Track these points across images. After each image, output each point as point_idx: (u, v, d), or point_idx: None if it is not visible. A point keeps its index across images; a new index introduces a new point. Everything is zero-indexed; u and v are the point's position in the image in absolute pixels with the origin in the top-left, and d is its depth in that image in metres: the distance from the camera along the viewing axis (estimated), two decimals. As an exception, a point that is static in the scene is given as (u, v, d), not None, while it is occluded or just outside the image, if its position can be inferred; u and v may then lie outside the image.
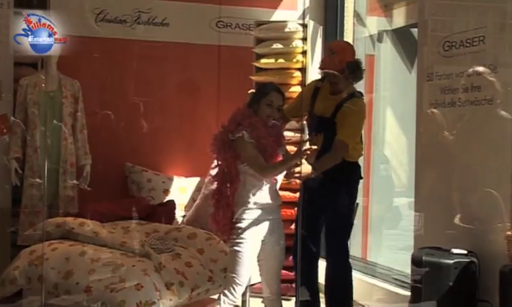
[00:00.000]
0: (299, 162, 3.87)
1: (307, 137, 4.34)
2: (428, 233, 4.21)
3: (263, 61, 5.76)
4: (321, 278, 4.48)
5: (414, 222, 4.35)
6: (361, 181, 4.49)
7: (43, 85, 5.31)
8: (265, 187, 3.89)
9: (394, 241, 6.22)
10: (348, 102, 4.22)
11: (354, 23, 6.02)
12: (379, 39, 6.28)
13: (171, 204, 5.67)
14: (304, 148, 3.71)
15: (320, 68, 4.40)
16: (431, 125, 4.24)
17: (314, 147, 3.72)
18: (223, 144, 3.90)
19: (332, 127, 4.17)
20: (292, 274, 4.63)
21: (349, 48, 4.51)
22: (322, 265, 4.48)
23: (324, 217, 4.34)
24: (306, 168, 3.96)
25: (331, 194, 4.22)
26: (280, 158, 3.93)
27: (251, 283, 4.41)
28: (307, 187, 4.22)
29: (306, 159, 3.81)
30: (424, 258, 3.79)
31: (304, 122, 4.73)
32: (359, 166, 4.41)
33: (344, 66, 4.26)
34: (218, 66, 6.15)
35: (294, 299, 4.56)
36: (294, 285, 4.70)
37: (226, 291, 3.87)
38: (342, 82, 4.29)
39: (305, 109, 4.35)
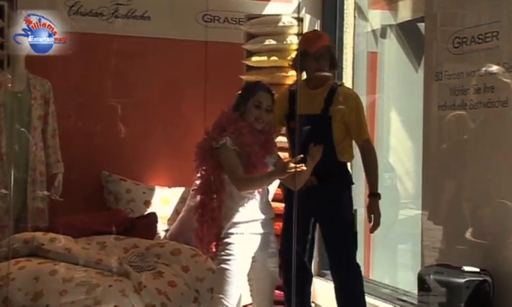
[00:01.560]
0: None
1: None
2: (436, 249, 4.21)
3: (254, 58, 5.76)
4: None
5: (421, 237, 4.34)
6: (363, 191, 4.49)
7: (9, 85, 5.31)
8: (256, 199, 3.86)
9: (400, 258, 6.21)
10: (339, 93, 4.33)
11: (354, 17, 6.03)
12: (383, 35, 6.29)
13: (153, 217, 5.66)
14: (292, 165, 3.62)
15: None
16: (439, 129, 4.23)
17: (304, 168, 3.66)
18: (205, 153, 3.86)
19: (326, 122, 4.28)
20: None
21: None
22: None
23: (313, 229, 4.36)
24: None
25: (328, 204, 4.21)
26: (267, 169, 3.87)
27: (241, 304, 4.39)
28: (295, 197, 4.13)
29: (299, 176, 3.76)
30: (432, 276, 3.80)
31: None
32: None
33: None
34: (205, 64, 6.15)
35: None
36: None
37: (213, 314, 3.84)
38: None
39: (282, 118, 4.38)
